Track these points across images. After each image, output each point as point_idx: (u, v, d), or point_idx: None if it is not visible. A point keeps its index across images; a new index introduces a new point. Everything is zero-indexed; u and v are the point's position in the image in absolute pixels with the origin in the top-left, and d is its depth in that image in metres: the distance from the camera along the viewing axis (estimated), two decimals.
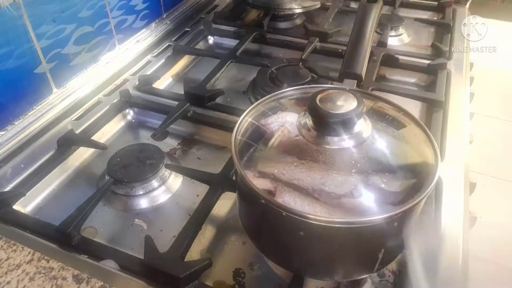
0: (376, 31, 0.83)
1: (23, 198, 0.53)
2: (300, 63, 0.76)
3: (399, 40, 0.89)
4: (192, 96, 0.67)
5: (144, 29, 0.84)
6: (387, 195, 0.36)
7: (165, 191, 0.55)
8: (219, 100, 0.69)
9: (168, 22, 0.90)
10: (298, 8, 0.91)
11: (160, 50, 0.83)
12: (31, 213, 0.53)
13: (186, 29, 0.91)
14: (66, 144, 0.59)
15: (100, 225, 0.51)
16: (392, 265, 0.46)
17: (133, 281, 0.42)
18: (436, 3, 1.00)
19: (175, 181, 0.57)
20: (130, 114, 0.69)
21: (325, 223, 0.33)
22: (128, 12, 0.78)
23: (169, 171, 0.56)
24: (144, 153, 0.57)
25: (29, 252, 0.42)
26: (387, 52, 0.79)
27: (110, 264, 0.43)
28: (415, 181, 0.38)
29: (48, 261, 0.41)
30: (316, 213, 0.34)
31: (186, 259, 0.44)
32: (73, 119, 0.64)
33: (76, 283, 0.39)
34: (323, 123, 0.38)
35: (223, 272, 0.45)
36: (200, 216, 0.48)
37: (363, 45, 0.53)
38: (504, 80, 2.18)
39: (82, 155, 0.60)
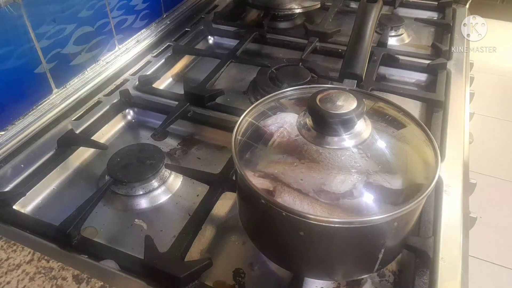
0: (376, 31, 0.83)
1: (23, 198, 0.53)
2: (300, 63, 0.76)
3: (399, 40, 0.89)
4: (192, 96, 0.67)
5: (144, 29, 0.84)
6: (387, 195, 0.36)
7: (165, 191, 0.55)
8: (219, 100, 0.69)
9: (168, 22, 0.90)
10: (298, 8, 0.91)
11: (160, 50, 0.83)
12: (31, 213, 0.53)
13: (186, 29, 0.91)
14: (66, 144, 0.59)
15: (100, 225, 0.51)
16: (392, 265, 0.46)
17: (133, 281, 0.42)
18: (436, 3, 1.00)
19: (175, 181, 0.57)
20: (130, 114, 0.69)
21: (325, 223, 0.33)
22: (128, 12, 0.78)
23: (169, 171, 0.56)
24: (144, 153, 0.57)
25: (29, 252, 0.42)
26: (387, 52, 0.79)
27: (110, 264, 0.43)
28: (415, 181, 0.38)
29: (48, 261, 0.41)
30: (316, 213, 0.34)
31: (186, 259, 0.44)
32: (73, 119, 0.64)
33: (76, 283, 0.39)
34: (323, 123, 0.38)
35: (223, 272, 0.45)
36: (200, 216, 0.48)
37: (363, 45, 0.53)
38: (504, 80, 2.18)
39: (82, 155, 0.60)
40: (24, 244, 0.43)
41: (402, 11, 1.00)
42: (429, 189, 0.35)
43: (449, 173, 0.54)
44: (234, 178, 0.52)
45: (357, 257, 0.39)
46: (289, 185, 0.36)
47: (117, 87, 0.72)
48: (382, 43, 0.81)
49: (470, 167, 0.58)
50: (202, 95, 0.67)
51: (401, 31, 0.90)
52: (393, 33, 0.88)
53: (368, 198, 0.36)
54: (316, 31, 0.85)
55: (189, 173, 0.56)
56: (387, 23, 0.88)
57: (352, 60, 0.52)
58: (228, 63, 0.77)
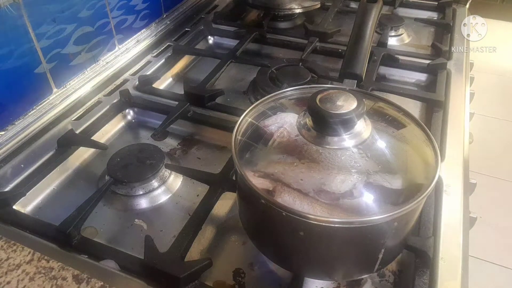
0: (376, 31, 0.83)
1: (23, 198, 0.53)
2: (300, 63, 0.76)
3: (399, 40, 0.89)
4: (192, 96, 0.67)
5: (144, 29, 0.84)
6: (387, 195, 0.36)
7: (165, 191, 0.55)
8: (219, 100, 0.69)
9: (168, 22, 0.90)
10: (298, 8, 0.91)
11: (160, 50, 0.83)
12: (31, 213, 0.53)
13: (186, 29, 0.91)
14: (66, 144, 0.59)
15: (100, 225, 0.51)
16: (392, 265, 0.46)
17: (133, 281, 0.42)
18: (436, 3, 1.00)
19: (175, 181, 0.57)
20: (130, 114, 0.69)
21: (325, 223, 0.33)
22: (128, 12, 0.78)
23: (169, 171, 0.56)
24: (144, 153, 0.57)
25: (29, 252, 0.42)
26: (387, 52, 0.79)
27: (110, 264, 0.43)
28: (415, 181, 0.38)
29: (48, 261, 0.41)
30: (316, 213, 0.34)
31: (186, 259, 0.44)
32: (73, 119, 0.64)
33: (76, 283, 0.39)
34: (323, 123, 0.38)
35: (223, 272, 0.45)
36: (200, 216, 0.48)
37: (363, 45, 0.53)
38: (504, 80, 2.18)
39: (82, 155, 0.60)
40: (24, 244, 0.43)
41: (402, 11, 1.00)
42: (429, 189, 0.35)
43: (449, 173, 0.54)
44: (234, 178, 0.52)
45: (357, 257, 0.39)
46: (289, 185, 0.36)
47: (117, 87, 0.72)
48: (382, 43, 0.81)
49: (470, 167, 0.58)
50: (202, 95, 0.67)
51: (401, 31, 0.90)
52: (393, 33, 0.88)
53: (368, 198, 0.36)
54: (316, 31, 0.85)
55: (189, 173, 0.56)
56: (387, 23, 0.88)
57: (352, 60, 0.52)
58: (228, 63, 0.77)
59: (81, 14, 0.67)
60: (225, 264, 0.46)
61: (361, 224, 0.34)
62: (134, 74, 0.75)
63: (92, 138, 0.62)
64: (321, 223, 0.33)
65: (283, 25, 0.94)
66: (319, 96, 0.39)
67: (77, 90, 0.69)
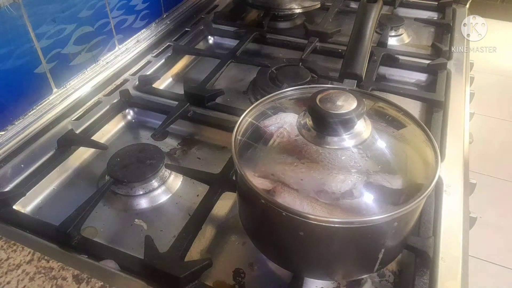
0: (376, 31, 0.83)
1: (23, 198, 0.53)
2: (300, 63, 0.76)
3: (399, 40, 0.89)
4: (192, 96, 0.67)
5: (144, 29, 0.84)
6: (387, 195, 0.36)
7: (165, 191, 0.55)
8: (219, 100, 0.69)
9: (168, 22, 0.90)
10: (298, 8, 0.91)
11: (160, 50, 0.83)
12: (31, 213, 0.53)
13: (186, 29, 0.91)
14: (66, 144, 0.59)
15: (100, 225, 0.51)
16: (392, 265, 0.46)
17: (133, 281, 0.42)
18: (436, 3, 1.00)
19: (175, 181, 0.57)
20: (130, 114, 0.69)
21: (325, 223, 0.33)
22: (128, 12, 0.78)
23: (169, 171, 0.56)
24: (144, 153, 0.57)
25: (29, 252, 0.42)
26: (387, 52, 0.79)
27: (110, 264, 0.43)
28: (415, 181, 0.38)
29: (48, 261, 0.41)
30: (316, 213, 0.34)
31: (186, 259, 0.44)
32: (73, 119, 0.64)
33: (76, 283, 0.39)
34: (323, 123, 0.38)
35: (223, 272, 0.45)
36: (200, 216, 0.48)
37: (363, 45, 0.53)
38: (504, 80, 2.19)
39: (82, 155, 0.60)
40: (24, 244, 0.43)
41: (402, 11, 1.00)
42: (429, 189, 0.35)
43: (449, 173, 0.54)
44: (234, 178, 0.52)
45: (357, 257, 0.39)
46: (289, 185, 0.36)
47: (117, 87, 0.72)
48: (382, 43, 0.81)
49: (470, 167, 0.58)
50: (202, 95, 0.67)
51: (401, 31, 0.90)
52: (393, 33, 0.88)
53: (368, 198, 0.36)
54: (316, 31, 0.85)
55: (189, 173, 0.56)
56: (387, 23, 0.88)
57: (352, 60, 0.52)
58: (228, 63, 0.77)
59: (81, 14, 0.67)
60: (225, 264, 0.46)
61: (361, 224, 0.34)
62: (134, 74, 0.75)
63: (92, 138, 0.62)
64: (321, 223, 0.33)
65: (283, 25, 0.94)
66: (319, 96, 0.39)
67: (77, 90, 0.69)
